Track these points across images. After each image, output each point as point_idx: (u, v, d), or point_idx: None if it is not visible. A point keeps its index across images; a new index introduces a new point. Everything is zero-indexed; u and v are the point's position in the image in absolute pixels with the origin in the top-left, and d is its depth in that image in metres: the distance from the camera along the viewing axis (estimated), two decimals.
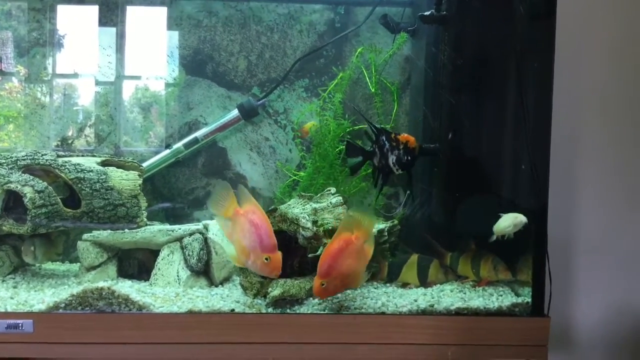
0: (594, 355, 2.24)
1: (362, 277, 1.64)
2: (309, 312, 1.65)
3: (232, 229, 1.62)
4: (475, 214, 1.85)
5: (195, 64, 2.25)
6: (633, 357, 2.23)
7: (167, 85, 2.26)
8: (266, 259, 1.55)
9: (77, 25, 2.22)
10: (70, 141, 2.22)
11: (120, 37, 2.22)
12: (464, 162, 1.89)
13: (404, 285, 1.88)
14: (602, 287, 2.22)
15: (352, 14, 2.25)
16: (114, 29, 2.22)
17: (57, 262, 2.13)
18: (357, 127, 2.23)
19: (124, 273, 1.94)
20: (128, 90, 2.28)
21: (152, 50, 2.26)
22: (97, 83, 2.24)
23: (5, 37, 2.21)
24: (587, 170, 2.20)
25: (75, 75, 2.25)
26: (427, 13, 1.88)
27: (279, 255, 1.57)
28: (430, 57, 1.98)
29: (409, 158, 1.77)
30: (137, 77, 2.28)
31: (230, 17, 2.24)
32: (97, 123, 2.23)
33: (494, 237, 1.73)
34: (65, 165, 1.84)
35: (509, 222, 1.71)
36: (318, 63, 2.27)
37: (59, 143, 2.21)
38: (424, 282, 1.88)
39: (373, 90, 2.21)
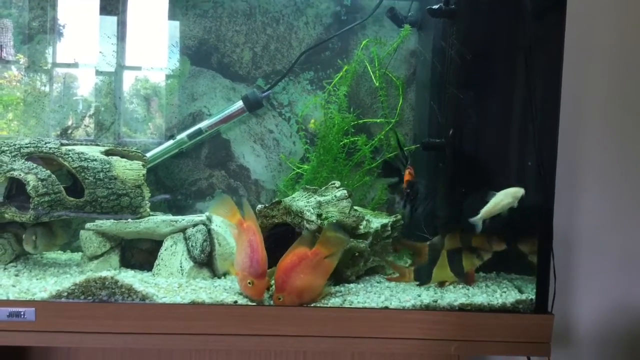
0: (594, 353, 2.24)
1: (321, 291, 1.66)
2: (311, 305, 1.64)
3: (237, 236, 1.69)
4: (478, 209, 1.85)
5: (200, 55, 2.24)
6: (633, 354, 2.23)
7: (172, 75, 2.25)
8: (250, 282, 1.59)
9: (81, 14, 2.21)
10: (69, 131, 2.21)
11: (122, 26, 2.21)
12: (468, 157, 1.89)
13: (441, 284, 1.82)
14: (603, 285, 2.22)
15: (359, 6, 2.23)
16: (118, 18, 2.21)
17: (59, 251, 2.13)
18: (361, 120, 2.23)
19: (126, 263, 1.94)
20: (132, 80, 2.27)
21: (156, 40, 2.24)
22: (101, 73, 2.23)
23: (6, 25, 2.19)
24: (590, 167, 2.19)
25: (76, 65, 2.24)
26: (435, 7, 1.87)
27: (263, 282, 1.60)
28: (437, 51, 1.97)
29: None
30: (138, 68, 2.27)
31: (236, 8, 2.23)
32: (98, 113, 2.22)
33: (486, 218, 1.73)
34: (69, 154, 1.82)
35: (510, 198, 1.70)
36: (323, 56, 2.26)
37: (61, 132, 2.20)
38: (461, 275, 1.83)
39: (377, 84, 2.20)
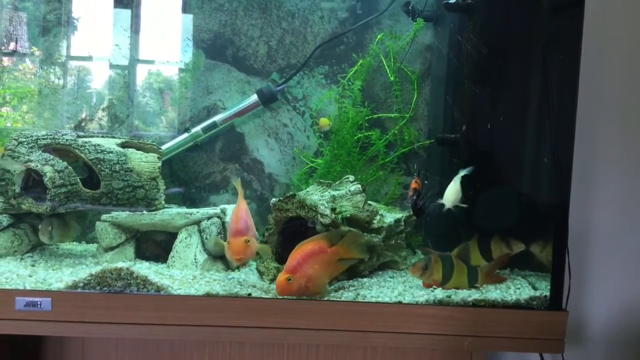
0: (607, 351, 2.23)
1: (325, 288, 1.66)
2: (325, 298, 1.65)
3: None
4: (494, 207, 1.84)
5: (215, 48, 2.24)
6: None
7: (187, 69, 2.25)
8: (228, 242, 1.63)
9: (101, 8, 2.22)
10: (83, 123, 2.22)
11: (136, 19, 2.22)
12: (483, 153, 1.88)
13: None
14: (617, 283, 2.21)
15: (374, 0, 2.23)
16: (136, 12, 2.22)
17: (75, 242, 2.15)
18: (376, 115, 2.22)
19: (141, 254, 1.95)
20: (147, 73, 2.28)
21: (172, 33, 2.25)
22: (116, 66, 2.25)
23: (21, 18, 2.21)
24: (606, 165, 2.18)
25: (93, 58, 2.26)
26: (451, 1, 1.86)
27: (238, 240, 1.61)
28: (453, 46, 1.96)
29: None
30: (154, 62, 2.28)
31: (252, 1, 2.23)
32: (113, 105, 2.23)
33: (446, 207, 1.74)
34: (85, 146, 1.84)
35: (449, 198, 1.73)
36: (338, 50, 2.25)
37: (78, 124, 2.22)
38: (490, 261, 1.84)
39: (392, 78, 2.19)
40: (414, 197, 1.83)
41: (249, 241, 1.61)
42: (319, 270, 1.63)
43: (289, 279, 1.59)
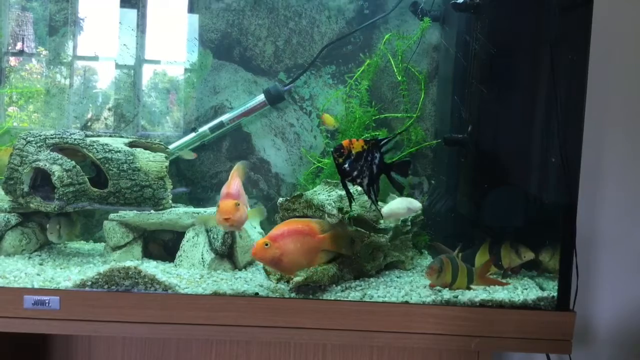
0: (614, 351, 2.22)
1: (296, 270, 1.64)
2: (332, 298, 1.65)
3: None
4: (501, 207, 1.84)
5: (223, 48, 2.24)
6: None
7: (194, 69, 2.26)
8: (217, 205, 1.61)
9: (108, 7, 2.23)
10: (90, 123, 2.23)
11: (143, 18, 2.23)
12: (491, 153, 1.87)
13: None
14: (624, 284, 2.20)
15: (381, 0, 2.23)
16: (143, 12, 2.22)
17: (82, 241, 2.15)
18: (382, 115, 2.22)
19: (148, 253, 1.96)
20: (155, 73, 2.29)
21: (179, 33, 2.26)
22: (123, 66, 2.25)
23: (27, 18, 2.22)
24: (613, 165, 2.17)
25: (101, 58, 2.26)
26: (459, 0, 1.85)
27: (228, 202, 1.59)
28: (461, 46, 1.95)
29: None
30: (161, 62, 2.28)
31: (259, 1, 2.23)
32: (121, 105, 2.24)
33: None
34: (93, 145, 1.85)
35: (404, 204, 1.73)
36: (345, 50, 2.25)
37: (88, 124, 2.23)
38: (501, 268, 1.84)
39: (399, 78, 2.19)
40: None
41: (238, 204, 1.60)
42: (299, 250, 1.61)
43: (267, 244, 1.57)
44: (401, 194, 1.89)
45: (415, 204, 1.88)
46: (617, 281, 2.20)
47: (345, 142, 1.56)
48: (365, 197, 1.84)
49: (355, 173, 1.58)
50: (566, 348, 1.62)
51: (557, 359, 2.15)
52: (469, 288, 1.72)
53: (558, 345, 1.62)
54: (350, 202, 1.66)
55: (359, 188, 1.85)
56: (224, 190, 1.65)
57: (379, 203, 1.88)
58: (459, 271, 1.71)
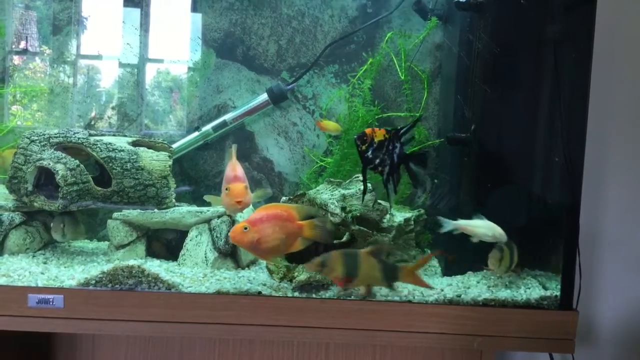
0: (617, 350, 2.22)
1: (273, 256, 1.65)
2: (334, 297, 1.65)
3: None
4: (504, 206, 1.84)
5: (226, 47, 2.25)
6: None
7: (197, 68, 2.26)
8: (227, 189, 1.63)
9: (111, 6, 2.23)
10: (93, 122, 2.24)
11: (146, 17, 2.23)
12: (494, 152, 1.87)
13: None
14: (627, 283, 2.20)
15: None
16: (147, 11, 2.23)
17: (86, 240, 2.16)
18: (385, 114, 2.22)
19: (151, 252, 1.96)
20: (158, 72, 2.29)
21: (182, 32, 2.26)
22: (127, 65, 2.26)
23: (30, 16, 2.23)
24: (616, 164, 2.17)
25: (105, 57, 2.27)
26: None
27: (238, 185, 1.62)
28: (463, 45, 1.95)
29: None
30: (164, 61, 2.29)
31: (262, 0, 2.23)
32: (124, 104, 2.25)
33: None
34: (97, 144, 1.85)
35: (490, 233, 1.69)
36: (348, 49, 2.25)
37: (92, 123, 2.24)
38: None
39: (402, 77, 2.19)
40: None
41: (247, 187, 1.62)
42: (277, 234, 1.59)
43: (246, 228, 1.56)
44: (416, 187, 1.92)
45: (499, 232, 1.73)
46: (620, 280, 2.20)
47: (368, 131, 1.59)
48: (368, 197, 1.84)
49: (378, 161, 1.60)
50: (569, 347, 1.62)
51: (560, 358, 2.15)
52: (390, 286, 1.67)
53: (561, 344, 1.63)
54: (365, 193, 1.66)
55: (355, 188, 1.86)
56: (229, 173, 1.67)
57: (383, 202, 1.88)
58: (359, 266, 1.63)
